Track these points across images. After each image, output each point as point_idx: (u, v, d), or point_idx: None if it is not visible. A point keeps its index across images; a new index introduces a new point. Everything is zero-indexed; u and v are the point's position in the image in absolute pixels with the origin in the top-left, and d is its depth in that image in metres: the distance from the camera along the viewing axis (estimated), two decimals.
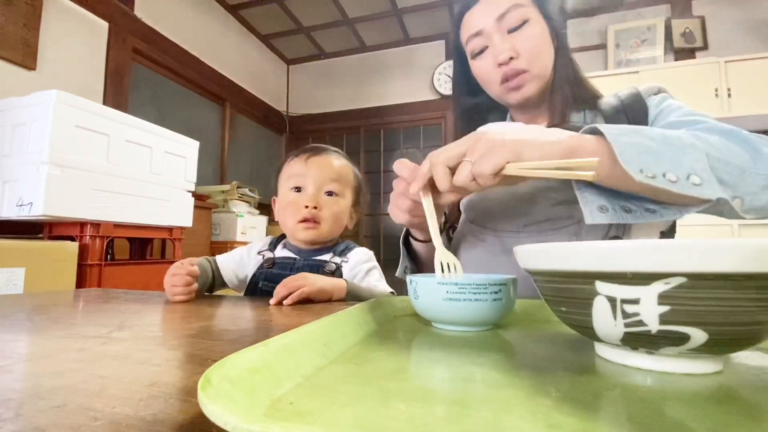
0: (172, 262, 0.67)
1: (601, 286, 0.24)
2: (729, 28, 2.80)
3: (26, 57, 1.80)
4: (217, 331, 0.40)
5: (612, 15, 3.06)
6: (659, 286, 0.21)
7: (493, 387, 0.22)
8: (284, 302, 0.58)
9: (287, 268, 0.78)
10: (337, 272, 0.76)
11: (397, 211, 0.53)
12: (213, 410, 0.15)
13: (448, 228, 0.76)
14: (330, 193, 0.80)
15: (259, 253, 0.83)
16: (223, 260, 0.83)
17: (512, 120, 0.73)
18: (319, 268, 0.77)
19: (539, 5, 0.63)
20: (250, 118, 3.58)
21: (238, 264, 0.83)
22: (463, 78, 0.72)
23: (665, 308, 0.22)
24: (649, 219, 0.42)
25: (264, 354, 0.22)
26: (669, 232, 0.62)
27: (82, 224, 1.49)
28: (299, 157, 0.82)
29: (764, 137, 0.48)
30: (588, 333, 0.27)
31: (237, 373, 0.19)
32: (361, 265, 0.78)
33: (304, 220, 0.77)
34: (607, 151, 0.40)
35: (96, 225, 1.50)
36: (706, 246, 0.20)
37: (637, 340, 0.24)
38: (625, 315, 0.23)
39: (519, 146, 0.40)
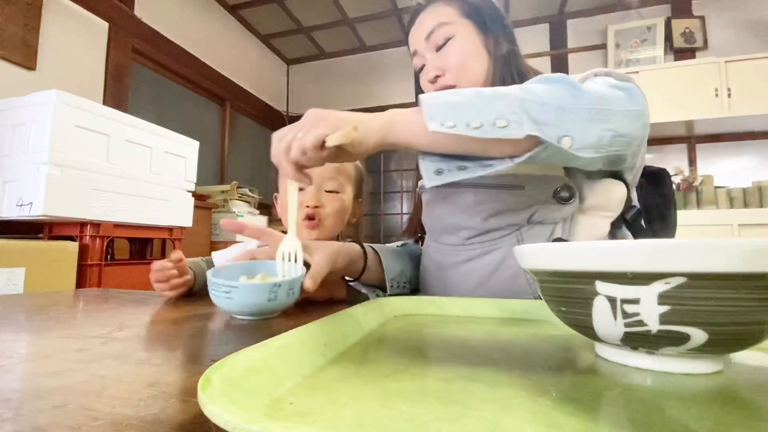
0: None
1: (601, 286, 0.24)
2: (729, 28, 2.80)
3: (26, 57, 1.79)
4: (217, 331, 0.40)
5: (612, 15, 3.06)
6: (659, 286, 0.21)
7: (493, 387, 0.22)
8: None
9: None
10: None
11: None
12: (213, 410, 0.15)
13: (417, 240, 0.81)
14: (330, 191, 0.81)
15: (258, 248, 0.83)
16: (219, 257, 0.83)
17: None
18: None
19: (470, 17, 0.63)
20: (250, 118, 3.58)
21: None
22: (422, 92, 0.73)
23: (665, 308, 0.22)
24: (472, 174, 0.43)
25: (264, 354, 0.22)
26: (618, 227, 0.58)
27: (82, 224, 1.49)
28: None
29: (596, 79, 0.49)
30: (588, 333, 0.27)
31: (237, 373, 0.19)
32: None
33: (306, 218, 0.78)
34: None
35: (96, 225, 1.50)
36: (706, 246, 0.20)
37: (637, 340, 0.24)
38: (625, 315, 0.23)
39: (339, 121, 0.42)
